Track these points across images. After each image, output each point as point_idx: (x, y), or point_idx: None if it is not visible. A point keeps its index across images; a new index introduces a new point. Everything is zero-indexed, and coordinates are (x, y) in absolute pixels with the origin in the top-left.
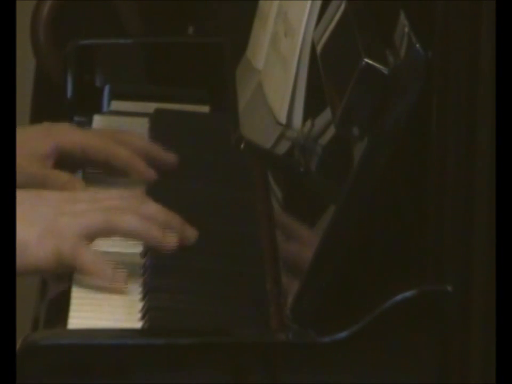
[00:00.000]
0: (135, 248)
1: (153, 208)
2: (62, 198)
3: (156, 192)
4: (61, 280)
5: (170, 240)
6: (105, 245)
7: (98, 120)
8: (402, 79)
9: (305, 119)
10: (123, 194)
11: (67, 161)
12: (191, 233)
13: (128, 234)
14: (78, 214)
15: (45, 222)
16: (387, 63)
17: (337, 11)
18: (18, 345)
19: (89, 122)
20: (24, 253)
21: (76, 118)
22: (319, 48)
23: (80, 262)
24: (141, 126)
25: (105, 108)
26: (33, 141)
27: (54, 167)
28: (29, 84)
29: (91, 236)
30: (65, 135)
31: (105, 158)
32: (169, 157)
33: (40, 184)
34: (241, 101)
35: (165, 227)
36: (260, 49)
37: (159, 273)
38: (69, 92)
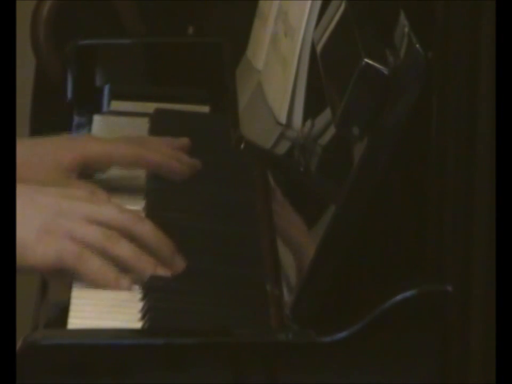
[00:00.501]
0: None
1: (147, 230)
2: (60, 193)
3: (155, 193)
4: (61, 278)
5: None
6: None
7: (98, 120)
8: (402, 79)
9: (305, 119)
10: (121, 207)
11: (93, 171)
12: (179, 265)
13: (118, 263)
14: (76, 218)
15: (43, 220)
16: (387, 63)
17: (337, 11)
18: (18, 345)
19: (89, 123)
20: (22, 252)
21: (76, 118)
22: (319, 48)
23: (83, 268)
24: (141, 126)
25: (105, 108)
26: (56, 153)
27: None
28: (29, 83)
29: (85, 246)
30: (90, 145)
31: (132, 162)
32: (194, 162)
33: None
34: (241, 101)
35: (156, 254)
36: (260, 49)
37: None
38: (69, 92)
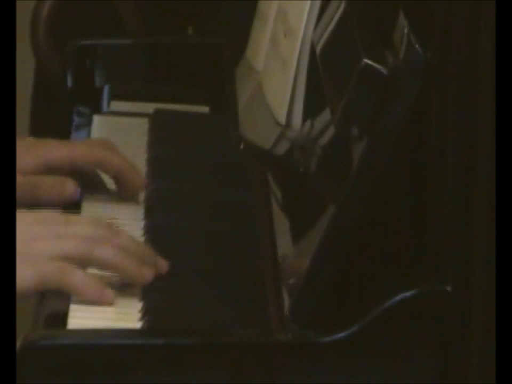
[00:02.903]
0: None
1: (125, 238)
2: (31, 218)
3: (155, 193)
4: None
5: (146, 273)
6: None
7: (98, 121)
8: (401, 80)
9: (304, 120)
10: (95, 222)
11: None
12: (163, 265)
13: (102, 266)
14: (50, 238)
15: (17, 247)
16: (386, 64)
17: (336, 11)
18: (18, 345)
19: (88, 123)
20: None
21: (76, 118)
22: (318, 48)
23: (67, 283)
24: (140, 127)
25: (105, 108)
26: (19, 159)
27: None
28: (29, 84)
29: (63, 260)
30: (52, 150)
31: (95, 165)
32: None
33: (29, 193)
34: (241, 101)
35: (139, 258)
36: (260, 50)
37: (159, 273)
38: (69, 92)
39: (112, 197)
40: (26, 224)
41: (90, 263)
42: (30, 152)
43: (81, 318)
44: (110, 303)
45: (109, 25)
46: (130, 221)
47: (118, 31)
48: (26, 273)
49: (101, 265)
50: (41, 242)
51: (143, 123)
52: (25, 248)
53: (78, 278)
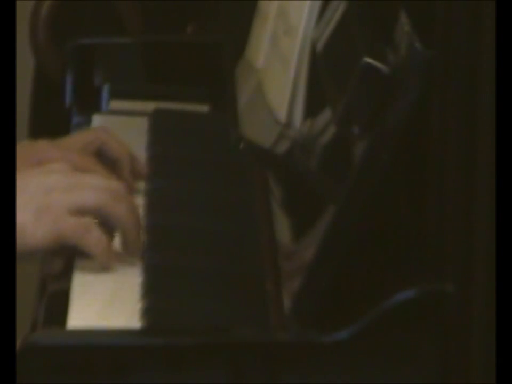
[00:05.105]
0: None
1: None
2: (39, 171)
3: (155, 192)
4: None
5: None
6: None
7: (97, 120)
8: (402, 78)
9: (305, 118)
10: (103, 177)
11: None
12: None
13: (115, 223)
14: (68, 189)
15: (35, 200)
16: (387, 62)
17: (337, 9)
18: (18, 345)
19: (88, 122)
20: (22, 235)
21: (75, 118)
22: (319, 47)
23: (83, 240)
24: (140, 126)
25: (104, 107)
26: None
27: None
28: (28, 83)
29: (82, 213)
30: (46, 154)
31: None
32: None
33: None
34: (241, 100)
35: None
36: (260, 48)
37: (159, 273)
38: (68, 92)
39: None
40: (37, 176)
41: (104, 217)
42: (24, 158)
43: (81, 318)
44: (109, 268)
45: (108, 24)
46: None
47: (118, 30)
48: (45, 230)
49: (114, 221)
50: (57, 193)
51: (143, 122)
52: (44, 200)
53: (94, 237)
